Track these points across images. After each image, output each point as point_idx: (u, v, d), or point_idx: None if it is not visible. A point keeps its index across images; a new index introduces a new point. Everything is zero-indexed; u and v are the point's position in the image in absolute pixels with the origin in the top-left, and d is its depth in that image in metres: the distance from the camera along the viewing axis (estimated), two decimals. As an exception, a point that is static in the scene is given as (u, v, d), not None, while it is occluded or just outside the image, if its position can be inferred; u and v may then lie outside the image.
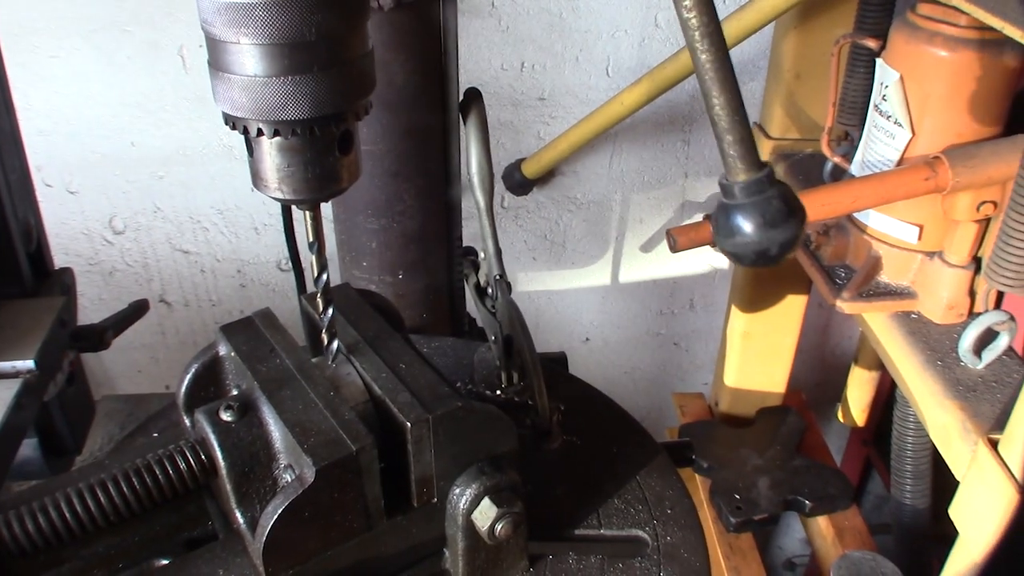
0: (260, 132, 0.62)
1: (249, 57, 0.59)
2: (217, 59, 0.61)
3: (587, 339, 2.44)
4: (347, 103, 0.63)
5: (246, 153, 0.66)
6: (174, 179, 2.05)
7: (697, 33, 0.68)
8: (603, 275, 2.34)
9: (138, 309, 1.36)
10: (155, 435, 1.03)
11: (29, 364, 1.06)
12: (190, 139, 2.00)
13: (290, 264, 2.29)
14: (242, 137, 0.70)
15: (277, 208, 2.07)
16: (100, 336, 1.26)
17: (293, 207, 0.75)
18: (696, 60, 0.70)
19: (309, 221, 0.71)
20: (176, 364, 2.34)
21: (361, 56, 0.64)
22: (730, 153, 0.69)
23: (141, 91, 1.93)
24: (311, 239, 0.73)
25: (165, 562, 0.82)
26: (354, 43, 0.63)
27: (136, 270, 2.17)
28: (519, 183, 2.07)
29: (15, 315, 1.13)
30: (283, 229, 1.35)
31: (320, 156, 0.65)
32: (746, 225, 0.68)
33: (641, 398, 2.60)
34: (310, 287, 0.93)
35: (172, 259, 2.17)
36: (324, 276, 0.75)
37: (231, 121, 0.63)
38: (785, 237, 0.69)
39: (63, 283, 1.28)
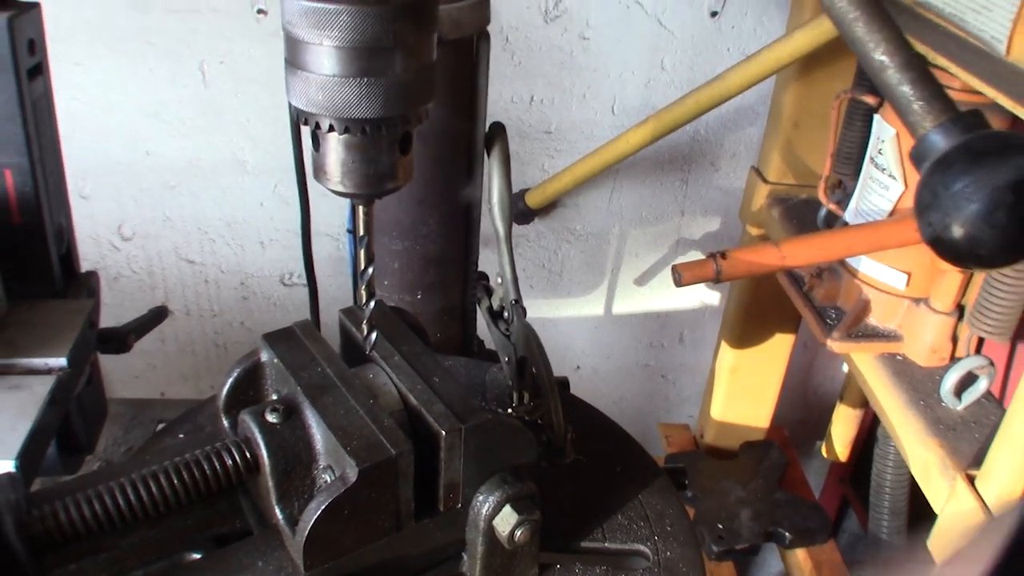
0: (331, 128, 0.67)
1: (329, 58, 0.65)
2: (296, 58, 0.67)
3: (578, 367, 2.50)
4: (411, 107, 0.69)
5: (313, 148, 0.72)
6: (185, 189, 2.10)
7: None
8: (597, 306, 2.40)
9: (158, 315, 1.41)
10: (180, 436, 1.07)
11: (62, 362, 1.11)
12: (204, 151, 2.05)
13: (292, 280, 2.33)
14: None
15: (283, 224, 2.14)
16: (124, 339, 1.31)
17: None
18: (836, 11, 0.58)
19: (363, 216, 0.77)
20: (173, 371, 2.38)
21: (427, 65, 0.70)
22: (915, 99, 0.52)
23: (160, 101, 1.98)
24: (362, 233, 0.78)
25: (195, 556, 0.86)
26: (423, 53, 0.69)
27: (141, 277, 2.21)
28: (522, 212, 2.13)
29: (48, 314, 1.18)
30: (302, 245, 1.41)
31: (382, 154, 0.70)
32: (976, 168, 0.46)
33: (628, 427, 2.64)
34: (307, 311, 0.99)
35: (177, 268, 2.22)
36: (370, 269, 0.80)
37: (303, 116, 0.69)
38: None
39: (89, 286, 1.33)
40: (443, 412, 0.79)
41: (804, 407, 2.65)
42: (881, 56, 0.49)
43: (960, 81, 1.26)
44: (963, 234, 0.44)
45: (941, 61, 1.13)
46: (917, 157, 0.49)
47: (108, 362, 2.33)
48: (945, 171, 0.46)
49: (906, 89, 0.48)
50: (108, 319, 1.34)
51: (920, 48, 1.18)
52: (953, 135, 0.48)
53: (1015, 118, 1.02)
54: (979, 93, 1.16)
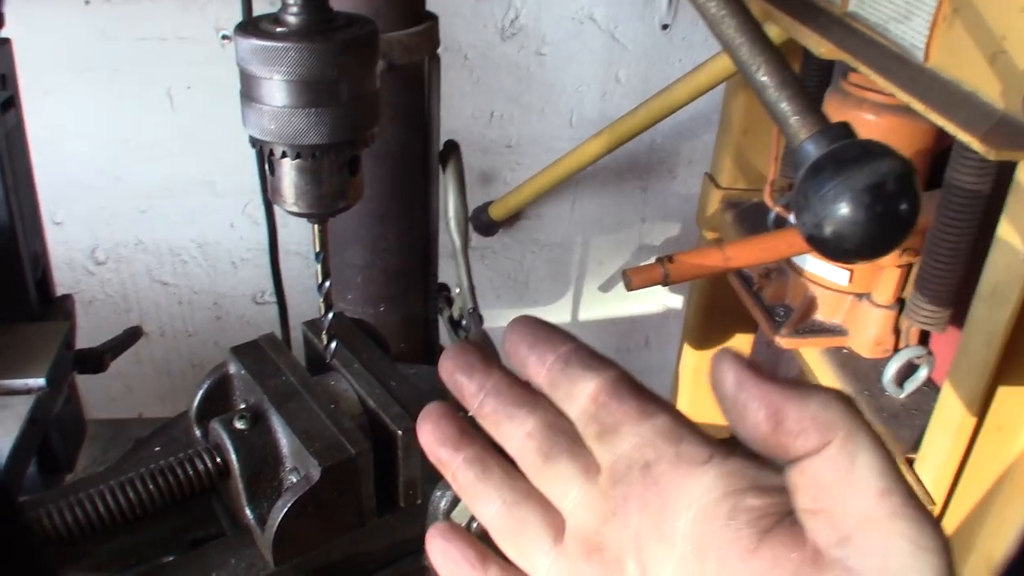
0: (284, 154, 0.74)
1: (279, 90, 0.71)
2: (250, 91, 0.73)
3: (547, 373, 2.56)
4: (357, 132, 0.75)
5: (268, 173, 0.78)
6: (156, 213, 2.15)
7: (713, 5, 0.62)
8: (564, 313, 2.46)
9: (133, 335, 1.46)
10: (157, 449, 1.12)
11: (40, 382, 1.15)
12: (174, 175, 2.10)
13: (264, 298, 2.38)
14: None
15: (254, 243, 2.19)
16: (100, 359, 1.36)
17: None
18: (725, 38, 0.62)
19: (318, 234, 0.83)
20: (150, 393, 2.42)
21: (371, 93, 0.76)
22: (791, 113, 0.59)
23: (129, 128, 2.03)
24: (318, 250, 0.84)
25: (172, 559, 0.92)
26: (366, 82, 0.75)
27: (115, 300, 2.26)
28: (486, 225, 2.20)
29: (25, 337, 1.23)
30: (270, 264, 1.47)
31: (332, 176, 0.76)
32: (840, 174, 0.52)
33: (598, 430, 2.72)
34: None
35: (151, 290, 2.26)
36: (327, 283, 0.86)
37: (258, 144, 0.75)
38: (892, 167, 0.53)
39: (65, 309, 1.38)
40: (399, 413, 0.85)
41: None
42: (763, 77, 0.55)
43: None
44: (831, 232, 0.51)
45: (864, 69, 1.21)
46: (795, 165, 0.56)
47: (85, 385, 2.37)
48: (815, 177, 0.52)
49: (784, 105, 0.55)
50: (84, 342, 1.38)
51: (846, 57, 1.25)
52: (822, 145, 0.54)
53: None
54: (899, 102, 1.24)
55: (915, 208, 0.50)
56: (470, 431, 0.53)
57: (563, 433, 0.49)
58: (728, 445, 0.45)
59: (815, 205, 0.51)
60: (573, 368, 0.49)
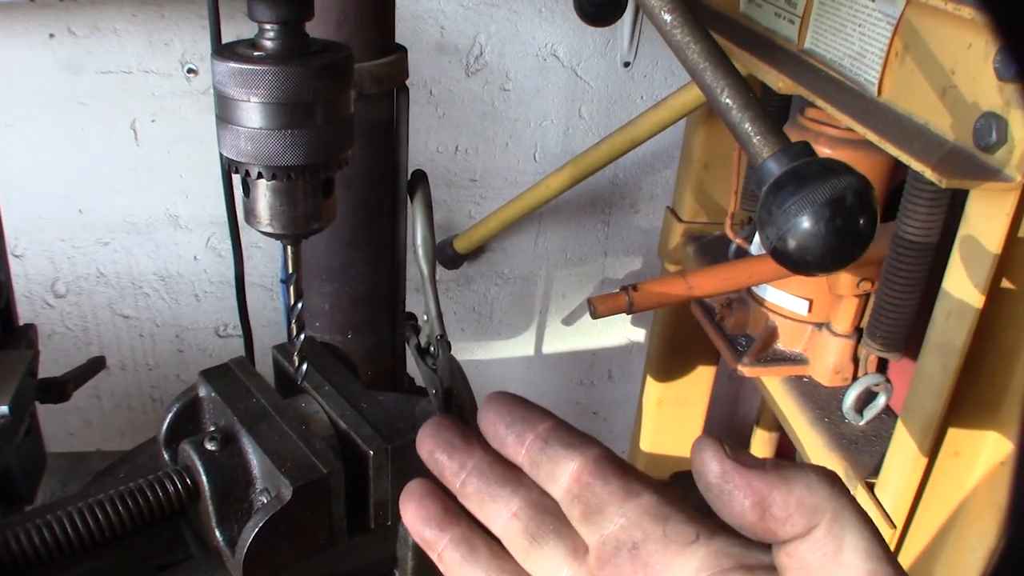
0: (260, 175, 0.75)
1: (256, 112, 0.72)
2: (226, 113, 0.74)
3: (511, 407, 2.56)
4: (332, 154, 0.77)
5: (244, 194, 0.78)
6: (119, 246, 2.14)
7: (679, 32, 0.65)
8: (527, 346, 2.48)
9: (96, 365, 1.45)
10: (121, 475, 1.11)
11: (3, 410, 1.14)
12: (137, 208, 2.10)
13: (227, 331, 2.37)
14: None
15: (217, 276, 2.19)
16: (62, 388, 1.35)
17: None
18: (690, 63, 0.65)
19: (291, 255, 0.83)
20: (110, 427, 2.39)
21: (346, 117, 0.78)
22: (754, 133, 0.60)
23: (93, 161, 2.02)
24: (291, 271, 0.84)
25: (138, 585, 0.91)
26: (342, 106, 0.77)
27: (76, 333, 2.23)
28: (450, 258, 2.21)
29: (-12, 366, 1.22)
30: (236, 293, 1.47)
31: (307, 198, 0.77)
32: (801, 189, 0.54)
33: (562, 464, 2.72)
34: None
35: (112, 323, 2.24)
36: (299, 305, 0.87)
37: (234, 166, 0.76)
38: (850, 182, 0.54)
39: (28, 337, 1.37)
40: (370, 434, 0.85)
41: (731, 437, 2.74)
42: (726, 99, 0.58)
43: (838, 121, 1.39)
44: (795, 245, 0.53)
45: (821, 103, 1.25)
46: (757, 182, 0.58)
47: (43, 419, 2.34)
48: (777, 192, 0.54)
49: (747, 126, 0.57)
50: (44, 375, 1.37)
51: (803, 91, 1.29)
52: (784, 162, 0.56)
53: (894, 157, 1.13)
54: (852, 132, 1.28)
55: (873, 221, 0.53)
56: (454, 509, 0.52)
57: (548, 513, 0.49)
58: (712, 523, 0.46)
59: (778, 219, 0.53)
60: (554, 447, 0.48)
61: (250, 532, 0.79)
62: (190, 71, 1.96)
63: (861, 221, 0.52)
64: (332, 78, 0.74)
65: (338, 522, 0.85)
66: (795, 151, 0.56)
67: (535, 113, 2.13)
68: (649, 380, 2.26)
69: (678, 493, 0.48)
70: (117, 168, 2.04)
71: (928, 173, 1.00)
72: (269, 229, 0.79)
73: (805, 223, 0.52)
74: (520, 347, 2.47)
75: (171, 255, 2.16)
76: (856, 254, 0.53)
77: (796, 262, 0.54)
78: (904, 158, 1.05)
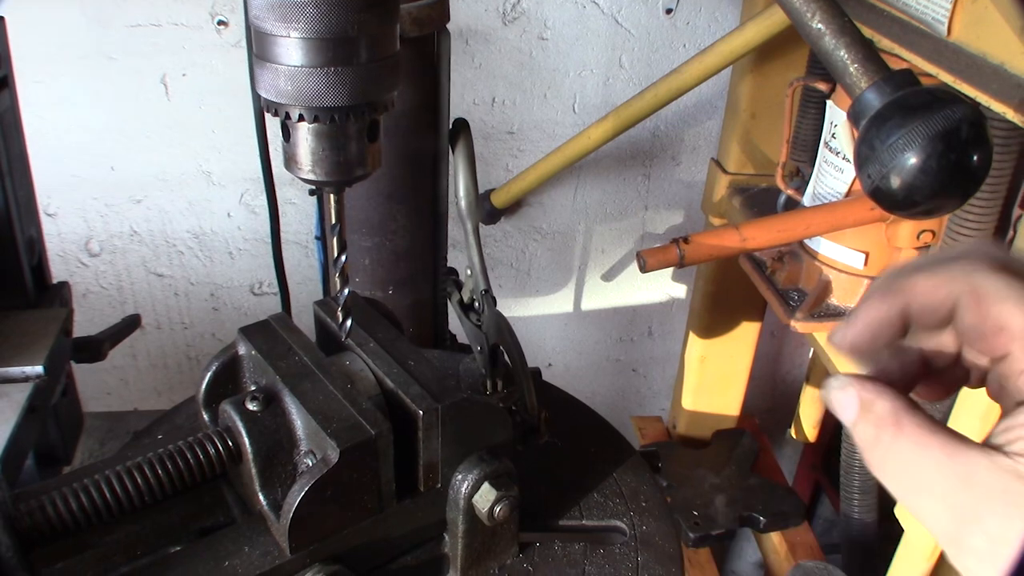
0: (301, 118, 0.70)
1: (296, 49, 0.67)
2: (264, 50, 0.69)
3: (550, 364, 2.53)
4: (378, 95, 0.71)
5: (283, 139, 0.73)
6: (152, 203, 2.10)
7: None
8: (566, 303, 2.43)
9: (131, 323, 1.42)
10: (159, 437, 1.08)
11: (39, 370, 1.11)
12: (169, 165, 2.06)
13: (262, 289, 2.34)
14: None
15: (251, 234, 2.15)
16: (98, 347, 1.32)
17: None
18: (786, 0, 0.59)
19: (334, 204, 0.78)
20: (146, 386, 2.38)
21: (391, 54, 0.72)
22: (851, 61, 0.55)
23: (123, 117, 1.98)
24: (334, 221, 0.80)
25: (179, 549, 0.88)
26: (387, 42, 0.71)
27: (110, 292, 2.21)
28: (488, 213, 2.16)
29: (22, 324, 1.19)
30: (272, 250, 1.43)
31: (351, 142, 0.73)
32: (909, 121, 0.48)
33: (600, 422, 2.69)
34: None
35: (147, 282, 2.22)
36: (343, 257, 0.82)
37: (273, 107, 0.71)
38: (964, 114, 0.49)
39: (62, 296, 1.34)
40: (420, 393, 0.81)
41: (773, 396, 2.69)
42: (818, 24, 0.52)
43: (906, 63, 1.31)
44: (900, 183, 0.47)
45: (887, 44, 1.18)
46: (855, 116, 0.52)
47: (80, 379, 2.33)
48: (880, 126, 0.49)
49: (842, 53, 0.51)
50: (79, 335, 1.34)
51: (868, 32, 1.22)
52: (886, 93, 0.51)
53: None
54: (925, 74, 1.21)
55: (989, 157, 0.47)
56: None
57: None
58: None
59: (882, 155, 0.47)
60: None
61: (296, 496, 0.75)
62: (220, 23, 1.91)
63: (975, 156, 0.47)
64: (376, 12, 0.69)
65: (386, 485, 0.81)
66: (899, 79, 0.50)
67: (574, 63, 2.06)
68: (691, 336, 2.20)
69: None
70: (148, 124, 2.00)
71: (1010, 114, 0.93)
72: (311, 176, 0.74)
73: (913, 159, 0.46)
74: (558, 303, 2.42)
75: (204, 212, 2.13)
76: (971, 192, 0.48)
77: (902, 203, 0.49)
78: (983, 99, 0.98)
